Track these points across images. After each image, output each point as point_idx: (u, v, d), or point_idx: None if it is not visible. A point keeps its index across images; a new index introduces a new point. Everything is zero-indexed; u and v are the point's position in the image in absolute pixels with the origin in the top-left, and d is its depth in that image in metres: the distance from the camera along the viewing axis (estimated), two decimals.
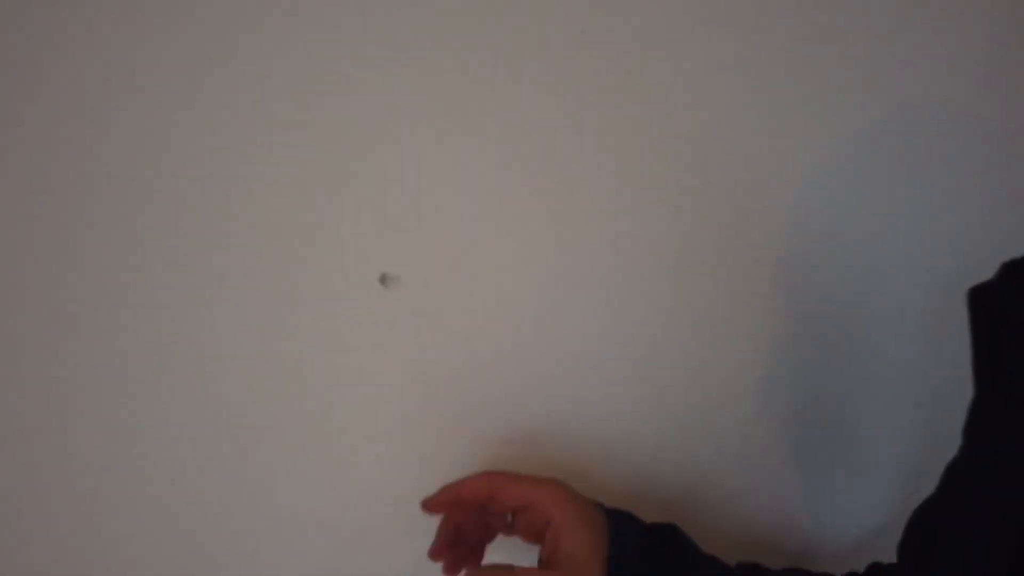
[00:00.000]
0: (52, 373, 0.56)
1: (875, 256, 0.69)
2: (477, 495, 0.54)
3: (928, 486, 0.54)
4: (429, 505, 0.54)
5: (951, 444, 0.50)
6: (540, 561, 0.53)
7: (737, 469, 0.71)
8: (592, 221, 0.64)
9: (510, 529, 0.56)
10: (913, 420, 0.73)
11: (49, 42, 0.52)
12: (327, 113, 0.58)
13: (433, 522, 0.56)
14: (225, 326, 0.59)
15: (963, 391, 0.47)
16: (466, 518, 0.55)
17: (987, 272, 0.46)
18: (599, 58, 0.61)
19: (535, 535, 0.54)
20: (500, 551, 0.59)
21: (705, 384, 0.68)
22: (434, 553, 0.53)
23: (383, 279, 0.61)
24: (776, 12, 0.63)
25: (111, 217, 0.56)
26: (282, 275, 0.59)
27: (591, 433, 0.67)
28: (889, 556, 0.59)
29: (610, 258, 0.65)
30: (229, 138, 0.56)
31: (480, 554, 0.57)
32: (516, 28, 0.59)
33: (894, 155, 0.68)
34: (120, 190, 0.55)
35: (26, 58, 0.52)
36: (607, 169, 0.64)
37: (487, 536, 0.57)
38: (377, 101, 0.58)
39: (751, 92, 0.64)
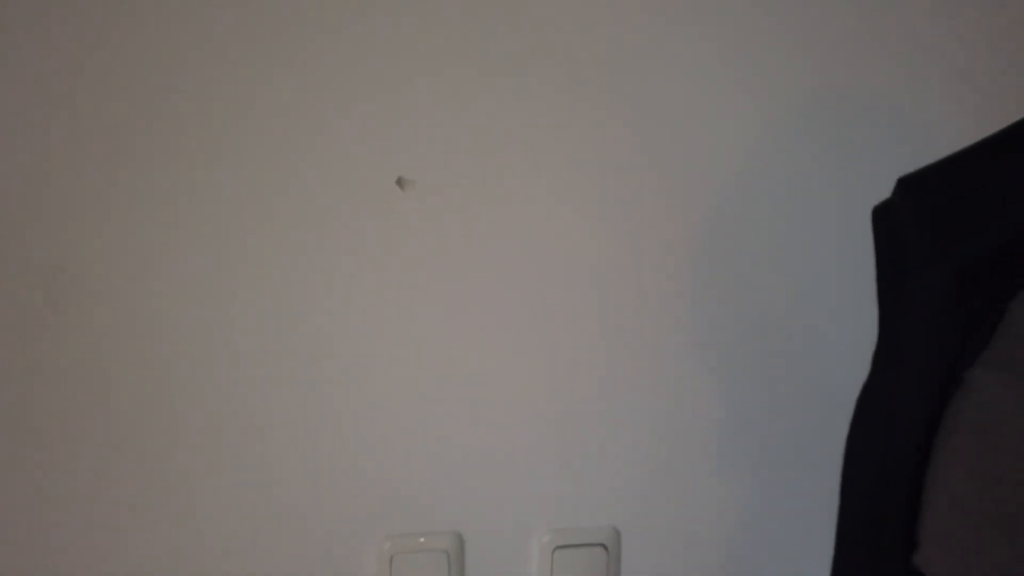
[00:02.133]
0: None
1: None
2: None
3: None
4: None
5: None
6: None
7: None
8: (598, 131, 0.67)
9: None
10: None
11: None
12: (349, 30, 0.61)
13: None
14: (258, 231, 0.63)
15: None
16: None
17: None
18: None
19: None
20: None
21: None
22: None
23: (400, 182, 0.65)
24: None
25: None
26: (310, 180, 0.63)
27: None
28: None
29: (613, 176, 0.67)
30: (261, 51, 0.60)
31: None
32: None
33: None
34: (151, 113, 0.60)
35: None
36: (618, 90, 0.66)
37: None
38: (395, 19, 0.62)
39: None
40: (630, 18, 0.66)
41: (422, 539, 0.68)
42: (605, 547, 0.70)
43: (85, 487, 0.63)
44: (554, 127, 0.66)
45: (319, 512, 0.66)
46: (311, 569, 0.67)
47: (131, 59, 0.60)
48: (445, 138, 0.65)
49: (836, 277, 0.70)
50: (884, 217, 0.47)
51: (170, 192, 0.61)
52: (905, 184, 0.46)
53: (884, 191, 0.46)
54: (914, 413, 0.41)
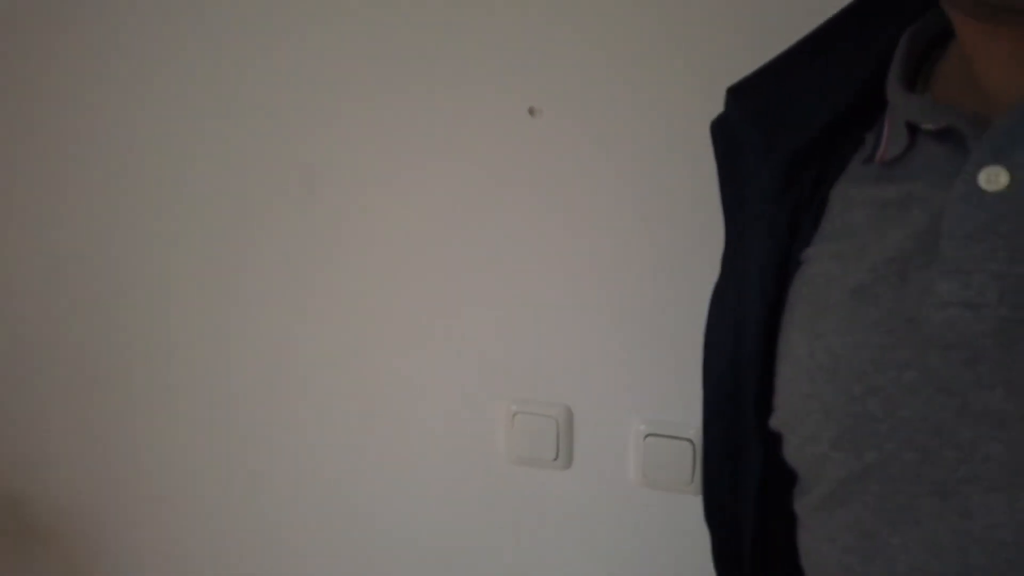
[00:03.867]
0: None
1: None
2: None
3: None
4: None
5: None
6: None
7: None
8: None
9: None
10: None
11: None
12: None
13: None
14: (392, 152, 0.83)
15: None
16: None
17: None
18: None
19: None
20: None
21: None
22: None
23: (531, 111, 0.79)
24: None
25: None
26: (445, 108, 0.81)
27: None
28: None
29: None
30: None
31: None
32: None
33: None
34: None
35: None
36: None
37: None
38: None
39: None
40: None
41: (539, 406, 0.84)
42: (692, 443, 0.77)
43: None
44: None
45: (463, 380, 0.87)
46: (457, 421, 0.88)
47: None
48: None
49: None
50: (721, 128, 0.50)
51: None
52: (734, 91, 0.48)
53: None
54: (756, 295, 0.45)
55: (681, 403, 0.78)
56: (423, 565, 0.92)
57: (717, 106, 0.50)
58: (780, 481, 0.46)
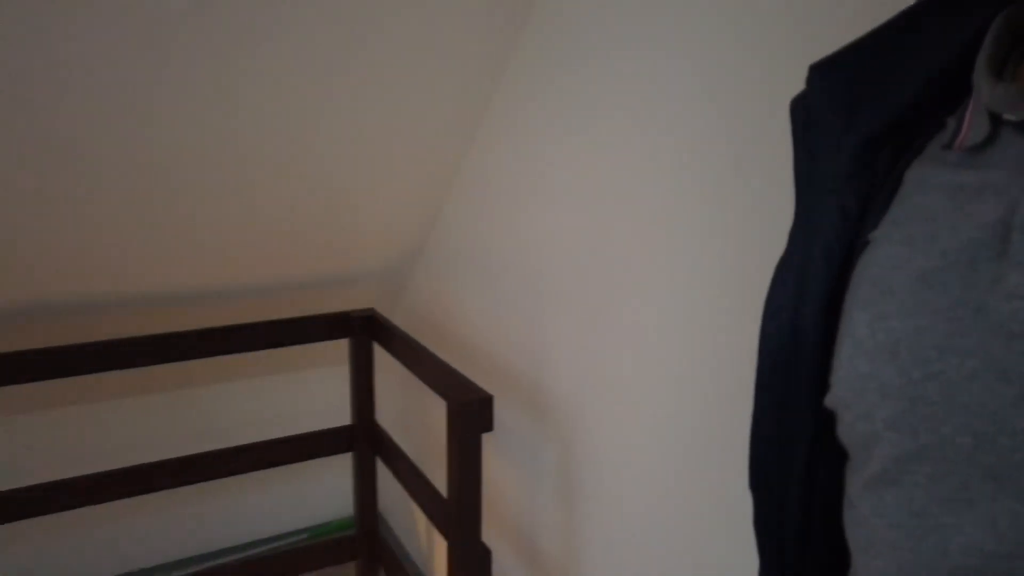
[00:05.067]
0: None
1: None
2: None
3: None
4: None
5: None
6: None
7: None
8: None
9: None
10: None
11: None
12: None
13: None
14: None
15: None
16: None
17: None
18: None
19: None
20: None
21: None
22: None
23: None
24: None
25: None
26: None
27: None
28: None
29: None
30: None
31: None
32: None
33: None
34: None
35: None
36: None
37: None
38: None
39: None
40: None
41: None
42: None
43: None
44: None
45: None
46: None
47: None
48: None
49: None
50: (800, 106, 0.49)
51: None
52: (816, 69, 0.48)
53: None
54: (819, 272, 0.45)
55: None
56: None
57: None
58: (828, 457, 0.47)
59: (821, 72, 0.47)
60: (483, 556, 1.33)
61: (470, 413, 1.25)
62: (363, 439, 1.82)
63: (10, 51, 1.09)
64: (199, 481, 1.65)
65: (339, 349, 2.20)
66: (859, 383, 0.42)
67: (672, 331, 1.10)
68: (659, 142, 1.07)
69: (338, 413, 2.37)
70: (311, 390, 2.35)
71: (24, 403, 1.94)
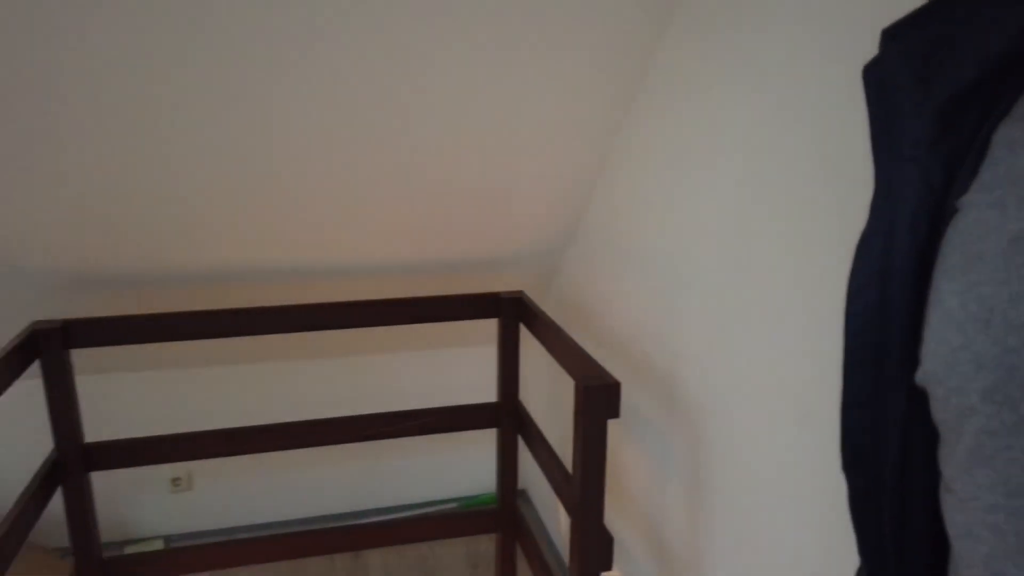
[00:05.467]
0: None
1: None
2: None
3: None
4: None
5: None
6: None
7: None
8: None
9: None
10: None
11: None
12: None
13: None
14: None
15: None
16: None
17: None
18: None
19: None
20: None
21: None
22: None
23: None
24: None
25: None
26: None
27: None
28: None
29: None
30: None
31: None
32: None
33: None
34: None
35: None
36: None
37: None
38: None
39: None
40: None
41: None
42: None
43: None
44: None
45: None
46: None
47: None
48: None
49: None
50: (873, 72, 0.46)
51: None
52: (889, 34, 0.44)
53: None
54: (905, 243, 0.43)
55: None
56: None
57: None
58: (924, 439, 0.45)
59: (895, 35, 0.45)
60: (606, 541, 1.34)
61: (597, 397, 1.25)
62: (506, 417, 1.87)
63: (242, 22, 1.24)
64: (359, 440, 1.79)
65: (490, 329, 2.28)
66: (951, 356, 0.40)
67: (809, 331, 1.04)
68: (803, 134, 1.02)
69: (487, 392, 2.46)
70: (461, 367, 2.46)
71: (230, 355, 2.20)
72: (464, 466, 2.59)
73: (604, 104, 1.54)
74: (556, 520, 2.32)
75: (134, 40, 1.21)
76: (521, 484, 2.68)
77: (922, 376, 0.42)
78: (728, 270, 1.23)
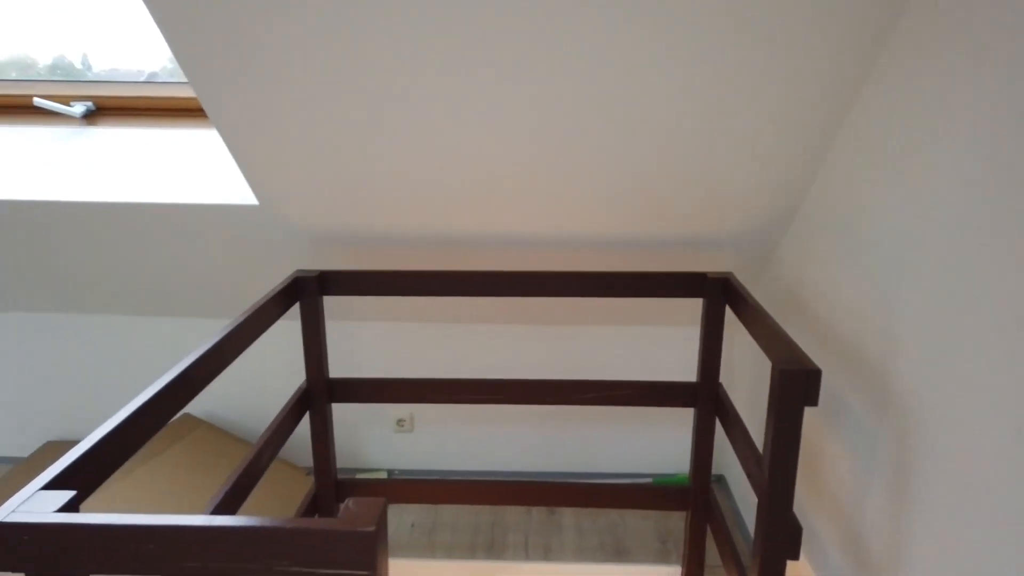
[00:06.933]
0: None
1: None
2: None
3: None
4: None
5: None
6: None
7: None
8: None
9: None
10: None
11: None
12: None
13: None
14: None
15: None
16: None
17: None
18: None
19: None
20: None
21: None
22: None
23: None
24: None
25: None
26: None
27: None
28: None
29: None
30: None
31: None
32: None
33: None
34: None
35: None
36: None
37: None
38: None
39: None
40: None
41: None
42: None
43: None
44: None
45: None
46: None
47: None
48: None
49: None
50: None
51: None
52: None
53: None
54: None
55: None
56: None
57: None
58: None
59: None
60: (793, 530, 1.32)
61: (794, 382, 1.23)
62: (705, 398, 1.88)
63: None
64: (563, 403, 1.90)
65: (695, 310, 2.28)
66: None
67: None
68: None
69: (687, 374, 2.46)
70: (664, 346, 2.47)
71: (457, 314, 2.42)
72: (658, 444, 2.62)
73: (828, 94, 1.48)
74: (750, 507, 2.28)
75: (406, 45, 1.39)
76: (719, 470, 2.65)
77: None
78: (958, 266, 1.15)
